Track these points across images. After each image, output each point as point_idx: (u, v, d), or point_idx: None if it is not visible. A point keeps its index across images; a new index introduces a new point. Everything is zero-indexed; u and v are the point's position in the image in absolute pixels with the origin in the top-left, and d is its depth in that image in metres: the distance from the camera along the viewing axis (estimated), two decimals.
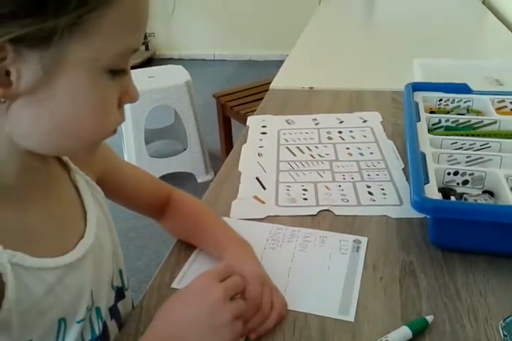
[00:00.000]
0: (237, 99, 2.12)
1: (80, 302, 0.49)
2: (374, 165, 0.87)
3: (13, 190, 0.44)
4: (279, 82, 1.33)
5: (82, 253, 0.49)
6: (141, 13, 0.41)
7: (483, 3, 2.31)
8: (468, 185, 0.69)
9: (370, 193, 0.79)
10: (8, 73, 0.37)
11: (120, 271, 0.59)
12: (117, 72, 0.42)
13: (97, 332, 0.52)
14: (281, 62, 1.50)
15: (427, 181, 0.64)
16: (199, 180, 2.27)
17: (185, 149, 2.31)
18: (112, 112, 0.43)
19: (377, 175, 0.84)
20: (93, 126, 0.42)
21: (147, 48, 4.13)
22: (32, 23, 0.35)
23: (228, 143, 2.22)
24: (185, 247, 0.69)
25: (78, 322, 0.49)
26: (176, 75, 2.22)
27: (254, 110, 1.16)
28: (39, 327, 0.45)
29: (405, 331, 0.52)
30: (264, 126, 1.05)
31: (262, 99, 1.23)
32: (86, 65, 0.39)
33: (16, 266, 0.41)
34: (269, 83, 1.32)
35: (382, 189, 0.79)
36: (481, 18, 2.06)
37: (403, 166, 0.85)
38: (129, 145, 2.16)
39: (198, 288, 0.51)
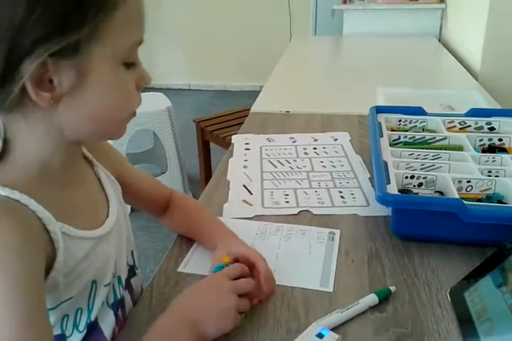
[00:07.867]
0: (215, 124, 2.26)
1: (107, 268, 0.60)
2: (345, 175, 1.01)
3: (59, 175, 0.55)
4: (259, 106, 1.48)
5: (108, 228, 0.60)
6: (140, 11, 0.53)
7: (439, 41, 2.56)
8: (423, 187, 0.83)
9: (342, 197, 0.92)
10: (51, 81, 0.48)
11: (132, 252, 0.70)
12: (130, 65, 0.53)
13: (119, 297, 0.63)
14: (254, 92, 1.65)
15: (388, 182, 0.78)
16: None
17: (163, 173, 2.42)
18: (132, 95, 0.55)
19: (348, 182, 0.98)
20: (119, 108, 0.54)
21: None
22: (63, 39, 0.46)
23: (207, 166, 2.34)
24: (187, 240, 0.80)
25: (105, 286, 0.60)
26: (157, 101, 2.36)
27: (233, 134, 1.28)
28: (77, 287, 0.55)
29: (373, 297, 0.64)
30: (247, 143, 1.18)
31: (239, 124, 1.36)
32: (107, 61, 0.50)
33: (64, 234, 0.52)
34: (245, 110, 1.46)
35: (352, 193, 0.93)
36: (437, 54, 2.29)
37: (369, 176, 0.99)
38: None
39: (212, 282, 0.63)
